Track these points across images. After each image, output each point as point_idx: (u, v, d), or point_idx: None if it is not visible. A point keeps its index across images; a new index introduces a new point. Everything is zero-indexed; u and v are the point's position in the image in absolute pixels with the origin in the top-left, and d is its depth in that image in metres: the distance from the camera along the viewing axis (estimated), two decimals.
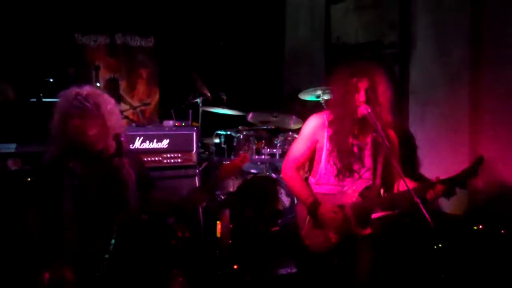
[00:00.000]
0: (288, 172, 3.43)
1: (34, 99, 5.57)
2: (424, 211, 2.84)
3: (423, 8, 5.69)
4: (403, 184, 3.05)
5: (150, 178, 3.44)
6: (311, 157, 3.45)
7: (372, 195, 3.31)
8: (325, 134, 3.34)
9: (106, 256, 2.95)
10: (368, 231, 3.23)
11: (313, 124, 3.41)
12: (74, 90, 3.12)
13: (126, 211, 3.06)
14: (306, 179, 3.49)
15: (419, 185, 3.13)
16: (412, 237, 4.41)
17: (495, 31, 4.95)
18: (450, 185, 3.06)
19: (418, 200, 2.89)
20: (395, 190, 3.36)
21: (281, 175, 3.55)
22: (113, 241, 2.98)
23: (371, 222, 3.23)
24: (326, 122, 3.35)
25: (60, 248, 2.96)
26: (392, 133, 3.40)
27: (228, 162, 3.32)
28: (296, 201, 3.78)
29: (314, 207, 3.24)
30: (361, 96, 3.20)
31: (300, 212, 3.39)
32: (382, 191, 3.42)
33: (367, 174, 3.34)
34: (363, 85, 3.21)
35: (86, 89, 3.14)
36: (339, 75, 3.33)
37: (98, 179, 3.13)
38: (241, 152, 5.58)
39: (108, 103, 3.19)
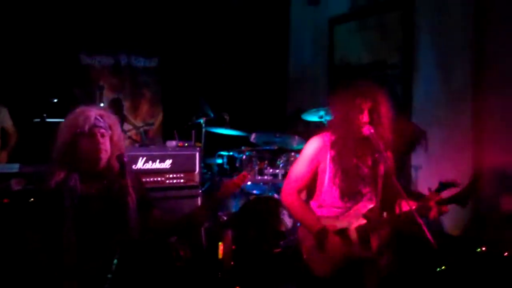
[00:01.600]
0: (290, 196, 3.35)
1: (38, 119, 5.61)
2: (427, 233, 2.82)
3: (426, 29, 5.73)
4: (404, 204, 3.05)
5: (149, 198, 3.43)
6: (312, 180, 3.39)
7: (376, 216, 3.28)
8: (328, 156, 3.30)
9: (109, 276, 2.93)
10: (374, 252, 3.22)
11: (314, 146, 3.37)
12: (87, 110, 3.14)
13: (126, 231, 3.05)
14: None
15: (420, 205, 3.13)
16: (415, 259, 4.37)
17: (498, 52, 4.98)
18: (449, 203, 3.10)
19: (421, 222, 2.87)
20: (397, 211, 3.35)
21: (281, 200, 3.44)
22: (115, 261, 2.96)
23: (375, 246, 3.21)
24: (328, 143, 3.33)
25: (61, 269, 2.95)
26: (390, 154, 3.38)
27: (228, 180, 3.30)
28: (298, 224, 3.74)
29: (322, 235, 3.18)
30: (365, 117, 3.21)
31: (302, 236, 3.33)
32: (384, 212, 3.40)
33: (369, 195, 3.33)
34: (366, 105, 3.22)
35: (97, 110, 3.17)
36: (343, 95, 3.32)
37: (99, 199, 3.12)
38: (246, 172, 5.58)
39: (117, 123, 3.24)
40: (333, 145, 3.31)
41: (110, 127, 3.15)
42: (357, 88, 3.28)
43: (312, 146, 3.38)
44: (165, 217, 3.35)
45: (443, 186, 3.18)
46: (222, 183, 3.30)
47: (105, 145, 3.10)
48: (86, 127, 3.05)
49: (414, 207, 3.00)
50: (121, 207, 3.06)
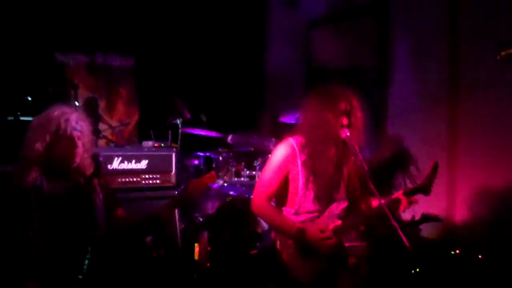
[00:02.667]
0: (261, 205, 3.31)
1: (12, 118, 5.51)
2: (402, 235, 2.86)
3: (401, 33, 5.79)
4: (375, 202, 3.13)
5: (115, 197, 3.44)
6: (282, 188, 3.35)
7: (350, 216, 3.31)
8: (298, 161, 3.29)
9: (80, 277, 2.91)
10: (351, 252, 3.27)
11: (282, 153, 3.33)
12: (67, 112, 3.15)
13: (93, 230, 3.05)
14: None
15: (389, 199, 3.20)
16: (390, 262, 4.41)
17: (473, 57, 5.05)
18: (415, 193, 3.25)
19: (396, 224, 2.91)
20: (368, 208, 3.39)
21: (253, 210, 3.37)
22: (86, 261, 2.94)
23: (348, 250, 3.26)
24: (297, 148, 3.31)
25: (28, 268, 2.93)
26: (363, 157, 3.42)
27: (196, 179, 3.28)
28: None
29: (300, 234, 3.18)
30: (344, 120, 3.24)
31: (281, 244, 3.31)
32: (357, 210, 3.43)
33: (342, 196, 3.36)
34: (344, 109, 3.25)
35: (75, 112, 3.20)
36: (319, 99, 3.33)
37: (66, 198, 3.13)
38: (220, 174, 5.58)
39: (89, 128, 3.26)
40: (303, 149, 3.31)
41: (83, 130, 3.18)
42: (333, 92, 3.31)
43: (280, 153, 3.34)
44: (130, 215, 3.36)
45: (415, 189, 3.28)
46: (190, 182, 3.27)
47: (80, 148, 3.13)
48: (68, 130, 3.08)
49: (384, 202, 3.08)
50: (88, 206, 3.08)
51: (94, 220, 3.05)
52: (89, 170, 3.17)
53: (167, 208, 3.29)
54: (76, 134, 3.10)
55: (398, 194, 3.25)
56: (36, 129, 3.12)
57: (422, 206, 3.74)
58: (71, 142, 3.09)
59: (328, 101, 3.28)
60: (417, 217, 4.09)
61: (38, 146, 3.07)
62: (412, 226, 3.31)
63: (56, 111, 3.14)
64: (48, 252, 2.97)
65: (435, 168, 3.24)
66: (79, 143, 3.11)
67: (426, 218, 3.85)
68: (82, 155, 3.14)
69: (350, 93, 3.32)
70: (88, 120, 3.28)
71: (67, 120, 3.09)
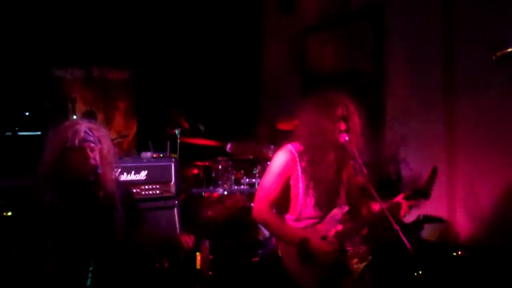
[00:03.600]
0: (264, 213, 3.29)
1: (10, 133, 5.51)
2: (404, 238, 2.85)
3: (397, 37, 5.81)
4: (376, 206, 3.14)
5: (139, 213, 3.40)
6: (283, 195, 3.34)
7: (351, 221, 3.32)
8: (298, 168, 3.29)
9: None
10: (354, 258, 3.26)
11: (282, 160, 3.33)
12: (76, 123, 3.11)
13: (111, 248, 3.03)
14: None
15: (390, 204, 3.21)
16: (393, 265, 4.41)
17: (468, 57, 5.06)
18: (415, 197, 3.25)
19: (398, 227, 2.91)
20: (370, 212, 3.39)
21: (254, 218, 3.35)
22: (90, 274, 2.91)
23: (351, 255, 3.25)
24: (297, 155, 3.32)
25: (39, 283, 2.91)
26: (362, 161, 3.42)
27: (220, 205, 3.28)
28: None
29: (304, 243, 3.16)
30: (342, 125, 3.25)
31: (283, 252, 3.29)
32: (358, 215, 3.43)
33: (342, 201, 3.37)
34: (341, 114, 3.27)
35: (86, 123, 3.13)
36: (318, 104, 3.34)
37: (84, 216, 3.05)
38: (220, 182, 5.58)
39: (106, 136, 3.21)
40: (302, 155, 3.31)
41: (99, 140, 3.12)
42: (330, 98, 3.32)
43: (280, 160, 3.34)
44: (152, 234, 3.32)
45: (415, 193, 3.28)
46: (214, 206, 3.27)
47: (95, 159, 3.06)
48: (76, 141, 3.01)
49: (385, 206, 3.07)
50: (107, 224, 3.04)
51: (112, 239, 3.03)
52: (111, 184, 3.11)
53: (192, 230, 3.26)
54: (87, 145, 3.04)
55: (399, 198, 3.25)
56: (49, 144, 3.09)
57: (422, 208, 3.76)
58: (81, 154, 3.02)
59: (325, 107, 3.29)
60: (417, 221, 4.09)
61: (50, 160, 3.04)
62: (415, 227, 3.32)
63: (67, 124, 3.11)
64: (61, 269, 2.94)
65: (434, 172, 3.25)
66: (92, 155, 3.03)
67: (428, 219, 3.85)
68: (99, 167, 3.06)
69: (346, 98, 3.34)
70: (103, 130, 3.21)
71: (75, 132, 3.02)
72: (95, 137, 3.09)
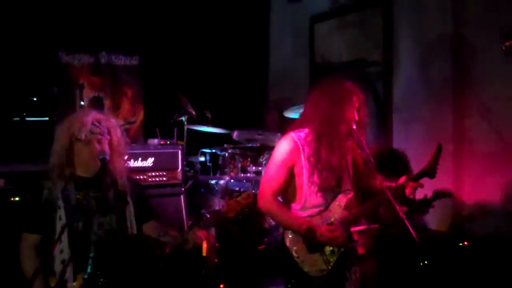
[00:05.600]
0: (268, 202, 3.29)
1: (18, 118, 5.54)
2: (410, 227, 2.86)
3: (406, 27, 5.76)
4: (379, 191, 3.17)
5: (150, 207, 3.40)
6: (287, 183, 3.34)
7: (356, 206, 3.32)
8: (302, 156, 3.28)
9: (85, 276, 2.88)
10: (360, 243, 3.30)
11: (285, 149, 3.32)
12: (83, 115, 3.11)
13: (122, 240, 3.05)
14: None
15: (394, 185, 3.27)
16: (398, 255, 4.41)
17: (478, 47, 5.02)
18: (420, 177, 3.30)
19: (404, 216, 2.91)
20: (369, 197, 3.39)
21: (259, 207, 3.33)
22: (90, 260, 2.91)
23: (357, 235, 3.27)
24: (301, 142, 3.31)
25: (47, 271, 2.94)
26: (369, 150, 3.43)
27: (231, 200, 3.27)
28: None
29: (310, 232, 3.17)
30: (355, 115, 3.28)
31: (290, 242, 3.29)
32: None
33: (348, 186, 3.37)
34: (356, 103, 3.29)
35: (95, 114, 3.14)
36: (336, 93, 3.31)
37: (94, 208, 3.08)
38: (226, 170, 5.59)
39: (116, 126, 3.21)
40: (310, 142, 3.30)
41: (108, 131, 3.11)
42: (348, 87, 3.33)
43: (283, 149, 3.33)
44: (162, 228, 3.32)
45: (420, 174, 3.33)
46: (225, 202, 3.27)
47: (103, 150, 3.06)
48: (83, 134, 3.02)
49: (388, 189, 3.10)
50: (118, 217, 3.07)
51: (123, 231, 3.05)
52: (121, 174, 3.12)
53: (201, 227, 3.25)
54: (93, 137, 3.04)
55: (402, 180, 3.31)
56: (58, 135, 3.10)
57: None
58: (88, 147, 3.04)
59: (342, 96, 3.29)
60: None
61: (59, 151, 3.05)
62: (425, 204, 3.31)
63: (75, 115, 3.10)
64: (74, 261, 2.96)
65: (438, 150, 3.30)
66: (99, 147, 3.05)
67: (437, 195, 3.84)
68: (109, 156, 3.08)
69: (358, 88, 3.37)
70: (113, 120, 3.22)
71: (82, 124, 3.04)
72: (104, 128, 3.09)
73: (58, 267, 2.96)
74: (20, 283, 3.01)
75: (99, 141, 3.07)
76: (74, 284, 2.93)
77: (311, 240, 3.19)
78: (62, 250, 2.96)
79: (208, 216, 3.26)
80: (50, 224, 3.00)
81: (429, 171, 3.29)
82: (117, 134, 3.18)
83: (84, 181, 3.10)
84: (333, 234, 3.17)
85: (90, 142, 3.04)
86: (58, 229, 2.96)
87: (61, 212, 2.99)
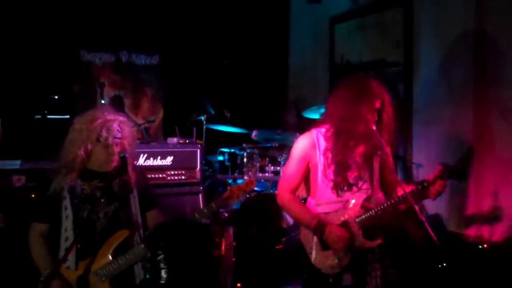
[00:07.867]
0: (285, 196, 3.35)
1: (39, 116, 5.60)
2: (429, 229, 2.84)
3: (427, 27, 5.72)
4: (401, 192, 3.11)
5: (153, 197, 3.49)
6: (305, 178, 3.38)
7: (373, 206, 3.27)
8: (317, 151, 3.30)
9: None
10: (377, 242, 3.24)
11: (302, 144, 3.36)
12: (109, 119, 3.19)
13: (126, 230, 3.12)
14: (304, 201, 3.43)
15: (417, 187, 3.16)
16: (416, 256, 4.38)
17: (499, 47, 4.95)
18: (450, 176, 3.14)
19: (423, 219, 2.89)
20: (388, 196, 3.37)
21: (278, 202, 3.41)
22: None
23: (379, 233, 3.23)
24: (318, 137, 3.32)
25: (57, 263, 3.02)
26: (389, 150, 3.39)
27: (234, 186, 3.32)
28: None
29: (319, 229, 3.17)
30: (373, 115, 3.24)
31: (304, 237, 3.31)
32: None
33: (365, 185, 3.34)
34: (377, 104, 3.26)
35: (118, 117, 3.24)
36: (359, 91, 3.28)
37: (101, 197, 3.18)
38: (245, 169, 5.59)
39: (132, 131, 3.35)
40: (328, 138, 3.30)
41: (125, 136, 3.23)
42: (372, 87, 3.29)
43: (300, 144, 3.37)
44: (164, 218, 3.43)
45: (448, 173, 3.15)
46: (228, 188, 3.32)
47: (117, 154, 3.18)
48: (110, 140, 3.14)
49: (410, 190, 3.06)
50: (123, 206, 3.16)
51: (128, 219, 3.14)
52: (129, 169, 3.22)
53: (202, 212, 3.31)
54: (115, 141, 3.15)
55: (430, 176, 3.16)
56: (78, 135, 3.16)
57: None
58: (108, 149, 3.15)
59: (365, 95, 3.25)
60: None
61: (81, 153, 3.13)
62: (434, 182, 3.12)
63: (100, 118, 3.16)
64: (81, 250, 3.07)
65: (469, 152, 3.18)
66: (117, 150, 3.16)
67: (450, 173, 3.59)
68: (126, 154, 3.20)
69: (383, 88, 3.33)
70: (130, 125, 3.35)
71: (109, 129, 3.15)
72: (124, 133, 3.21)
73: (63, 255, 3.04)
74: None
75: (117, 144, 3.18)
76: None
77: (320, 236, 3.18)
78: (67, 238, 3.08)
79: (211, 204, 3.30)
80: (56, 214, 3.11)
81: (458, 173, 3.22)
82: (131, 136, 3.31)
83: (91, 173, 3.20)
84: (341, 233, 3.15)
85: (110, 146, 3.16)
86: (64, 218, 3.09)
87: (67, 202, 3.11)
